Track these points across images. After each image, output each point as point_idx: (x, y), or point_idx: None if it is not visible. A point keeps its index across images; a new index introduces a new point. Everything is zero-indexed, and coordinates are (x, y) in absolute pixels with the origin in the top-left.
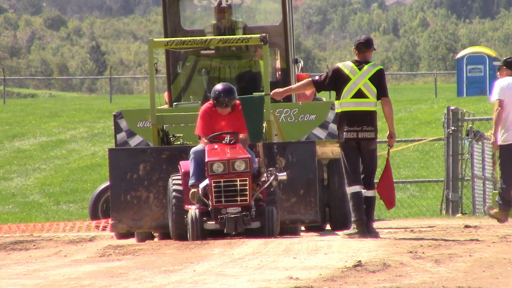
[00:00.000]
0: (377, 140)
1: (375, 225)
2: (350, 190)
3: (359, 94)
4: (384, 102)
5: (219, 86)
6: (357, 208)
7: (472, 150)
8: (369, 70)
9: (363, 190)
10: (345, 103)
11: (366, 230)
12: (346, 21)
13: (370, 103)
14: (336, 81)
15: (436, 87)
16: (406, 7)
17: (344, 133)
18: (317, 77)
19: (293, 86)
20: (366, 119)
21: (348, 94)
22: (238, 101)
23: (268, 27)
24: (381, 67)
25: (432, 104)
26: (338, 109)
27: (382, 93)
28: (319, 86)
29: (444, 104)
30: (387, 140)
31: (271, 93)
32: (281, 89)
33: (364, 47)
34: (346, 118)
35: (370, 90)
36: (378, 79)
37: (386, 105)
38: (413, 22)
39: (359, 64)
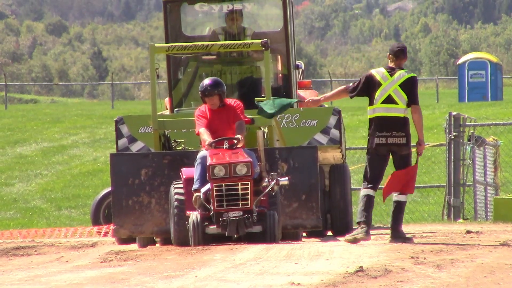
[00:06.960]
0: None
1: (374, 230)
2: (364, 192)
3: (389, 100)
4: (413, 110)
5: (206, 80)
6: (364, 209)
7: (473, 155)
8: (400, 76)
9: (395, 194)
10: (377, 108)
11: (395, 234)
12: (348, 26)
13: (399, 109)
14: (368, 87)
15: (437, 93)
16: (407, 12)
17: (375, 138)
18: (351, 84)
19: (328, 94)
20: (396, 124)
21: (379, 100)
22: (228, 100)
23: (269, 33)
24: (414, 74)
25: (433, 109)
26: (370, 115)
27: (412, 101)
28: (353, 92)
29: (446, 110)
30: (416, 147)
31: (305, 101)
32: (316, 98)
33: (402, 54)
34: (377, 124)
35: (400, 97)
36: (409, 86)
37: (416, 112)
38: (415, 28)
39: (392, 70)
